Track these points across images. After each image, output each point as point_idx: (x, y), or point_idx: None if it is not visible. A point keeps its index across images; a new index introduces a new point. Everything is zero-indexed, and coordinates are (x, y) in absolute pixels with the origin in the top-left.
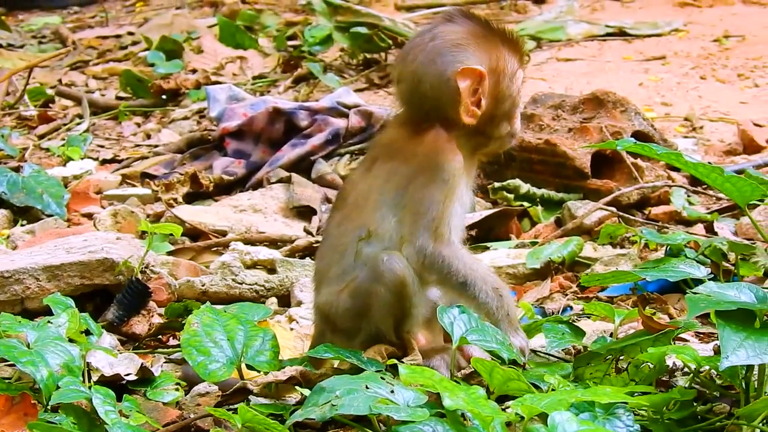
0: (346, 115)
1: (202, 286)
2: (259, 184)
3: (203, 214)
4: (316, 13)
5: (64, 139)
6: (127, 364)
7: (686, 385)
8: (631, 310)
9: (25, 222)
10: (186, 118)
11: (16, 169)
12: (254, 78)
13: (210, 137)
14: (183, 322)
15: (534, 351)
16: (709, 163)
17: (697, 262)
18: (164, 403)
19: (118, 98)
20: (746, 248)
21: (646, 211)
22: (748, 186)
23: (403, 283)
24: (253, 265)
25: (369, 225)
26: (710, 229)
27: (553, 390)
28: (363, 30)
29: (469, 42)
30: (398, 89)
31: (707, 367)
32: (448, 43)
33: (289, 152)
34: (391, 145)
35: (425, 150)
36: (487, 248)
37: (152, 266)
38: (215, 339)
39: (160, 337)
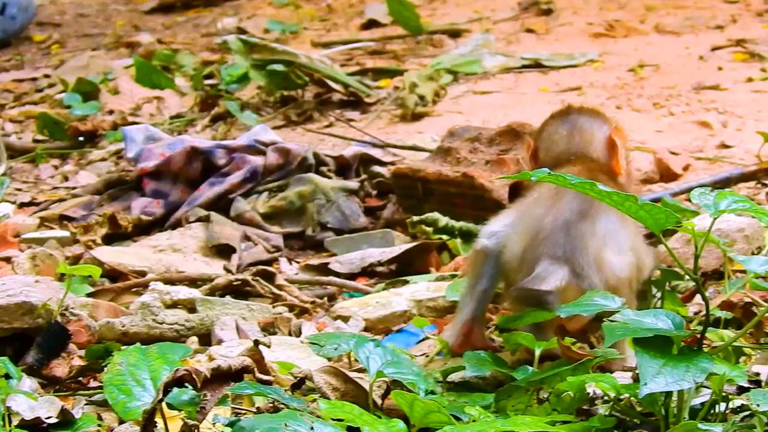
0: (264, 153)
1: (122, 327)
2: (177, 224)
3: (122, 255)
4: (232, 51)
5: None
6: (47, 407)
7: (606, 413)
8: (551, 340)
9: None
10: (103, 159)
11: None
12: (171, 118)
13: (128, 178)
14: (103, 363)
15: (454, 382)
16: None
17: None
18: None
19: (35, 141)
20: (673, 276)
21: None
22: (662, 214)
23: None
24: (173, 305)
25: None
26: None
27: (474, 421)
28: (279, 67)
29: None
30: None
31: (627, 395)
32: None
33: (208, 191)
34: None
35: None
36: (407, 282)
37: (72, 308)
38: (138, 378)
39: (80, 379)
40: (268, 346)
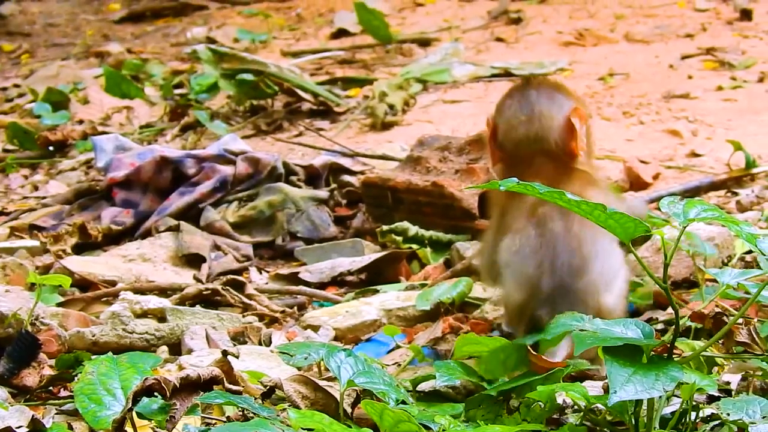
0: (234, 162)
1: (93, 336)
2: (147, 234)
3: (92, 265)
4: (201, 61)
5: None
6: (18, 417)
7: (577, 423)
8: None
9: None
10: (73, 169)
11: None
12: (141, 127)
13: (98, 187)
14: (74, 373)
15: (424, 391)
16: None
17: None
18: None
19: (5, 151)
20: (635, 285)
21: None
22: (630, 223)
23: None
24: (144, 314)
25: None
26: None
27: (444, 431)
28: (249, 77)
29: None
30: None
31: (598, 404)
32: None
33: (177, 200)
34: None
35: None
36: (377, 291)
37: (42, 318)
38: (109, 387)
39: (51, 388)
40: (237, 357)
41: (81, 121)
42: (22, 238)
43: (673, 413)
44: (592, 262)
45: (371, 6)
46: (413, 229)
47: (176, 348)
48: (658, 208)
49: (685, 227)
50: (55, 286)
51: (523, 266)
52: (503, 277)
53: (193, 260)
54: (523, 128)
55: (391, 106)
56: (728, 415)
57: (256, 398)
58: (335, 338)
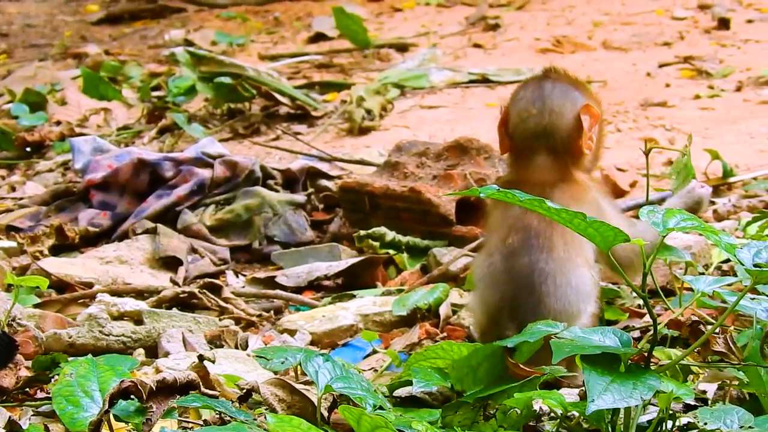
0: (211, 166)
1: (69, 338)
2: (124, 236)
3: (69, 267)
4: (179, 63)
5: None
6: None
7: (553, 430)
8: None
9: None
10: (51, 170)
11: None
12: (119, 129)
13: (75, 189)
14: (50, 375)
15: (401, 397)
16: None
17: None
18: None
19: None
20: (611, 292)
21: None
22: (610, 231)
23: None
24: (120, 317)
25: None
26: None
27: None
28: (227, 80)
29: None
30: None
31: (574, 412)
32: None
33: (155, 203)
34: None
35: None
36: (353, 296)
37: (19, 319)
38: (87, 390)
39: (27, 390)
40: (213, 362)
41: (58, 123)
42: None
43: (649, 422)
44: (553, 300)
45: (349, 10)
46: (390, 235)
47: (153, 351)
48: (636, 216)
49: (664, 236)
50: (32, 287)
51: (488, 294)
52: (475, 289)
53: (170, 263)
54: (532, 121)
55: (369, 111)
56: (705, 424)
57: (233, 402)
58: (312, 343)
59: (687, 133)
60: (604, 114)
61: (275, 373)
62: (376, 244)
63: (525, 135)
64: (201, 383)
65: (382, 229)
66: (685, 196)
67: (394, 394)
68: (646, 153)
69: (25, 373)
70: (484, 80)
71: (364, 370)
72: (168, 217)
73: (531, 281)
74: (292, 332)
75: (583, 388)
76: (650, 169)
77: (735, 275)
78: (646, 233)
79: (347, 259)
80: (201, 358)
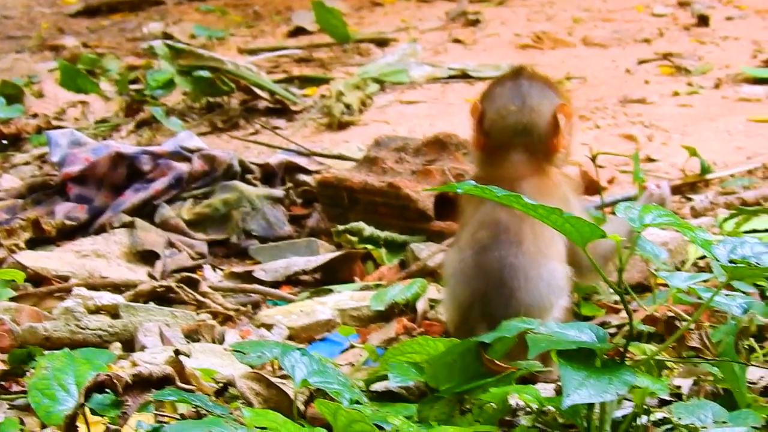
0: (189, 159)
1: (45, 332)
2: (102, 229)
3: (46, 260)
4: (158, 56)
5: None
6: None
7: (529, 425)
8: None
9: None
10: (27, 163)
11: None
12: (96, 122)
13: (52, 182)
14: (26, 368)
15: (378, 392)
16: None
17: None
18: None
19: None
20: (588, 287)
21: None
22: (587, 227)
23: None
24: (97, 311)
25: None
26: None
27: (397, 431)
28: (205, 74)
29: None
30: None
31: (550, 407)
32: None
33: (132, 197)
34: None
35: None
36: (331, 291)
37: None
38: (63, 383)
39: (2, 383)
40: (188, 356)
41: (35, 115)
42: None
43: (624, 416)
44: (524, 294)
45: (329, 5)
46: (368, 230)
47: (129, 345)
48: (613, 212)
49: (640, 232)
50: (8, 280)
51: (459, 289)
52: (447, 285)
53: (148, 257)
54: (512, 118)
55: (348, 106)
56: (680, 419)
57: (209, 396)
58: (289, 337)
59: (666, 130)
60: (578, 112)
61: (252, 367)
62: (354, 239)
63: (503, 132)
64: (177, 377)
65: (361, 224)
66: (646, 200)
67: (370, 389)
68: (593, 158)
69: (0, 366)
70: (464, 76)
71: (341, 365)
72: (145, 210)
73: (501, 276)
74: (269, 327)
75: (559, 383)
76: (629, 165)
77: (711, 272)
78: (617, 232)
79: (325, 254)
80: (177, 352)
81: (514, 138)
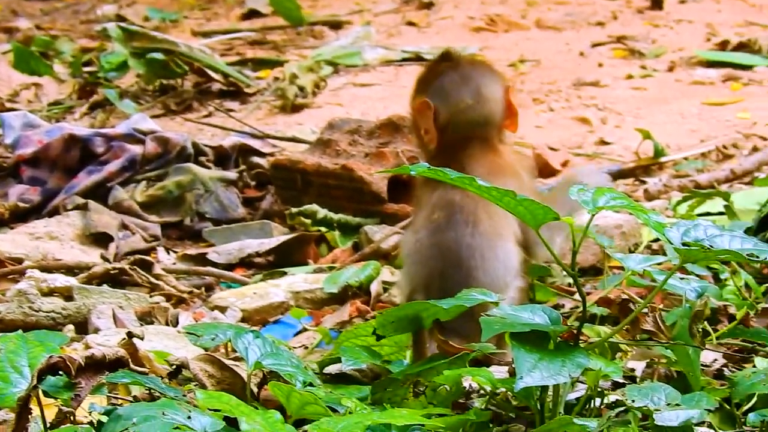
0: (143, 142)
1: None
2: (55, 212)
3: None
4: (111, 39)
5: None
6: None
7: (482, 407)
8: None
9: None
10: None
11: None
12: (50, 105)
13: (5, 164)
14: None
15: (331, 374)
16: None
17: None
18: None
19: None
20: (542, 270)
21: None
22: (540, 209)
23: None
24: (50, 293)
25: None
26: None
27: (350, 413)
28: (159, 56)
29: None
30: None
31: (503, 389)
32: None
33: (86, 179)
34: None
35: None
36: (285, 273)
37: None
38: (17, 365)
39: None
40: (142, 338)
41: None
42: None
43: (578, 399)
44: (481, 273)
45: None
46: (322, 212)
47: (83, 327)
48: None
49: (593, 215)
50: None
51: (415, 269)
52: (403, 266)
53: (101, 239)
54: (471, 113)
55: (302, 89)
56: (633, 401)
57: (162, 378)
58: (242, 320)
59: (619, 113)
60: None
61: (205, 349)
62: (308, 221)
63: (461, 126)
64: (130, 359)
65: (314, 207)
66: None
67: (324, 371)
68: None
69: None
70: (418, 58)
71: (295, 348)
72: (99, 193)
73: (459, 255)
74: (222, 309)
75: (513, 365)
76: (583, 148)
77: (665, 254)
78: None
79: (279, 236)
80: (130, 334)
81: (473, 130)
